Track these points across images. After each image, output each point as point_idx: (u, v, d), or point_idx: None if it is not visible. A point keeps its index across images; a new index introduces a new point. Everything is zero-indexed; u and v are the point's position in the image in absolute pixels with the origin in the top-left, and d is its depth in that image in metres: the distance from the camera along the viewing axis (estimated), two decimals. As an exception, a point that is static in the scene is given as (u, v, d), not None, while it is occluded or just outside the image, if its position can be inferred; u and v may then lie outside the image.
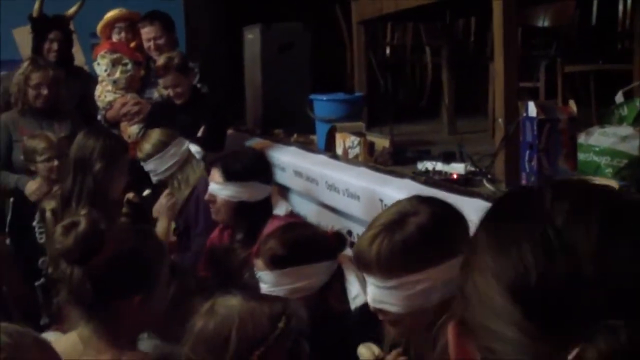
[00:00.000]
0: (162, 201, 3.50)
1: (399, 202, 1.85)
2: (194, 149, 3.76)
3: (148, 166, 3.71)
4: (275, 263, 2.34)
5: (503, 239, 0.68)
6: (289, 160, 4.36)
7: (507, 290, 0.66)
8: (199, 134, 4.07)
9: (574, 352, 0.61)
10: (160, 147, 3.69)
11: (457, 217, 1.78)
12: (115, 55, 4.89)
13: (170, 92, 4.33)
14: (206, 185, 3.29)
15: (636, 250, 0.64)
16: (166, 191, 3.53)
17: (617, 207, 0.69)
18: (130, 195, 3.46)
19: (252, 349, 1.60)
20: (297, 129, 4.93)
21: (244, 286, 2.28)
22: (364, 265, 1.75)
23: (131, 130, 4.78)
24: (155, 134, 3.76)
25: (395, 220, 1.72)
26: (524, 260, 0.65)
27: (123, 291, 1.75)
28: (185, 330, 1.67)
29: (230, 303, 1.64)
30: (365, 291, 2.29)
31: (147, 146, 3.72)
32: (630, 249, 0.64)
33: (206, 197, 3.20)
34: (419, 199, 1.83)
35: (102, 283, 1.73)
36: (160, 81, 4.40)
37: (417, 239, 1.69)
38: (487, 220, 0.74)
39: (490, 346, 0.67)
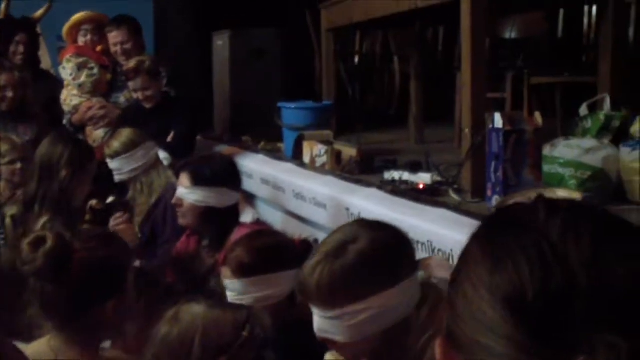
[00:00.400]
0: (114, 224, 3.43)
1: (341, 227, 1.79)
2: (163, 155, 3.74)
3: (113, 164, 3.67)
4: (242, 271, 2.33)
5: (498, 254, 0.69)
6: (256, 167, 4.35)
7: (501, 304, 0.66)
8: (169, 139, 4.05)
9: None
10: (129, 147, 3.65)
11: (400, 242, 1.74)
12: (81, 59, 4.85)
13: (140, 95, 4.31)
14: (174, 192, 3.27)
15: (628, 264, 0.66)
16: (115, 217, 3.45)
17: (607, 222, 0.71)
18: (93, 202, 3.42)
19: (215, 357, 1.59)
20: (266, 135, 4.92)
21: (210, 293, 2.26)
22: (305, 294, 1.69)
23: (96, 134, 4.75)
24: (126, 133, 3.73)
25: (336, 247, 1.66)
26: (520, 274, 0.66)
27: (98, 299, 1.75)
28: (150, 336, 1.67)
29: (195, 310, 1.63)
30: None
31: (115, 144, 3.68)
32: (622, 263, 0.66)
33: (173, 200, 3.18)
34: (361, 224, 1.79)
35: (76, 295, 1.72)
36: (130, 84, 4.37)
37: (357, 268, 1.63)
38: (480, 235, 0.74)
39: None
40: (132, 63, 4.32)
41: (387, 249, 1.69)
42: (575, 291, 0.64)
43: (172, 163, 3.76)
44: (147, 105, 4.31)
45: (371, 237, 1.68)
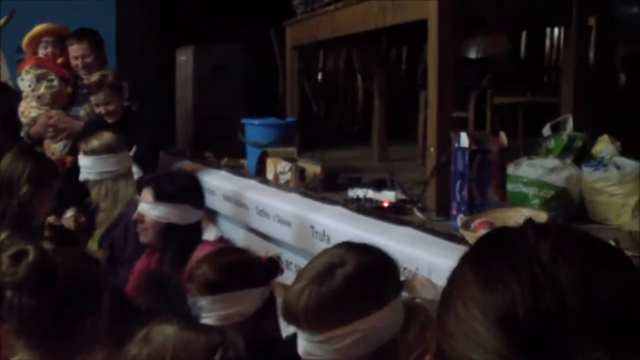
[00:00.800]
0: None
1: (327, 250, 1.80)
2: (135, 169, 3.70)
3: (85, 161, 3.62)
4: (208, 289, 2.29)
5: (490, 274, 0.71)
6: (218, 184, 4.32)
7: (493, 322, 0.68)
8: (131, 153, 3.99)
9: None
10: (107, 150, 3.61)
11: (386, 264, 1.75)
12: (40, 71, 4.78)
13: (102, 109, 4.26)
14: (136, 209, 3.22)
15: (614, 284, 0.69)
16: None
17: (593, 245, 0.75)
18: (50, 219, 3.36)
19: None
20: (229, 152, 4.89)
21: (185, 313, 2.22)
22: (292, 318, 1.69)
23: (54, 147, 4.67)
24: (109, 136, 3.68)
25: (323, 272, 1.67)
26: (512, 294, 0.68)
27: (78, 315, 1.71)
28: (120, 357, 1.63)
29: (166, 332, 1.59)
30: None
31: (95, 142, 3.63)
32: (609, 284, 0.69)
33: (134, 216, 3.13)
34: (347, 247, 1.79)
35: (58, 310, 1.68)
36: (92, 98, 4.32)
37: (344, 291, 1.64)
38: (470, 257, 0.77)
39: None
40: (94, 77, 4.27)
41: (374, 273, 1.70)
42: (565, 311, 0.66)
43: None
44: (109, 120, 4.27)
45: (358, 261, 1.69)
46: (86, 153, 3.65)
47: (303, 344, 1.68)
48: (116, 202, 3.63)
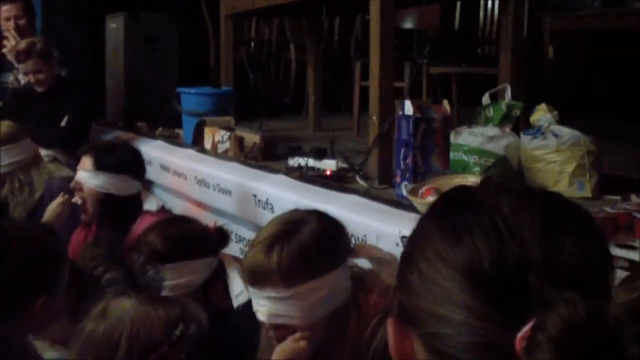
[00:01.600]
0: (54, 206, 3.26)
1: (280, 216, 1.84)
2: (44, 152, 3.58)
3: None
4: (156, 259, 2.27)
5: (454, 229, 0.72)
6: (154, 154, 4.25)
7: (459, 275, 0.69)
8: (62, 123, 3.89)
9: (527, 326, 0.64)
10: (9, 140, 3.45)
11: (340, 225, 1.82)
12: None
13: (31, 78, 4.14)
14: (58, 185, 3.15)
15: (576, 235, 0.70)
16: (60, 198, 3.29)
17: (554, 199, 0.76)
18: None
19: (142, 357, 1.52)
20: (161, 122, 4.82)
21: (147, 286, 2.19)
22: (259, 277, 1.70)
23: None
24: (6, 125, 3.52)
25: (288, 229, 1.72)
26: (476, 247, 0.69)
27: (29, 293, 1.65)
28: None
29: (123, 306, 1.55)
30: (248, 288, 2.27)
31: None
32: (570, 235, 0.70)
33: (72, 184, 3.06)
34: (302, 211, 1.84)
35: (7, 286, 1.62)
36: (21, 66, 4.18)
37: (312, 246, 1.70)
38: (432, 214, 0.77)
39: (437, 332, 0.70)
40: (22, 45, 4.14)
41: (333, 231, 1.77)
42: (530, 262, 0.67)
43: (56, 157, 3.60)
44: (39, 89, 4.14)
45: (318, 219, 1.76)
46: None
47: (269, 306, 1.70)
48: (33, 191, 3.49)
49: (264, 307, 1.71)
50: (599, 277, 0.69)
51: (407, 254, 0.77)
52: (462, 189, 0.80)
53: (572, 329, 0.63)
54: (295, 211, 1.85)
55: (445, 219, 0.75)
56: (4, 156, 3.45)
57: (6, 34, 4.54)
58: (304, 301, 1.68)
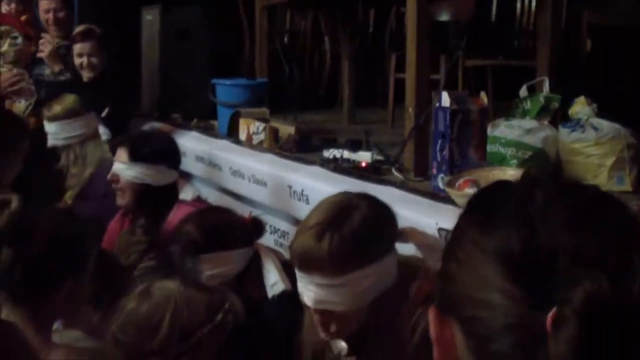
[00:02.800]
0: None
1: (330, 198, 1.79)
2: (102, 130, 3.65)
3: (50, 127, 3.58)
4: (192, 249, 2.28)
5: (489, 220, 0.76)
6: (190, 144, 4.27)
7: (494, 261, 0.73)
8: (103, 114, 3.93)
9: (555, 309, 0.68)
10: (70, 114, 3.58)
11: (389, 211, 1.79)
12: (3, 27, 4.65)
13: (84, 61, 4.17)
14: (109, 169, 3.18)
15: (606, 223, 0.73)
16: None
17: (587, 189, 0.79)
18: None
19: (184, 337, 1.53)
20: (196, 113, 4.84)
21: (184, 275, 2.20)
22: (310, 263, 1.66)
23: (18, 107, 4.55)
24: (71, 99, 3.65)
25: (339, 215, 1.67)
26: (509, 235, 0.73)
27: (57, 275, 1.66)
28: (112, 312, 1.60)
29: (168, 287, 1.56)
30: (283, 279, 2.27)
31: (58, 107, 3.60)
32: (600, 222, 0.73)
33: (109, 176, 3.09)
34: (352, 194, 1.80)
35: (36, 266, 1.63)
36: (76, 47, 4.21)
37: (364, 233, 1.66)
38: (468, 209, 0.82)
39: (474, 315, 0.74)
40: (80, 27, 4.20)
41: (384, 216, 1.74)
42: (559, 247, 0.71)
43: (110, 139, 3.66)
44: (87, 75, 4.19)
45: (369, 204, 1.72)
46: (50, 119, 3.60)
47: (316, 292, 1.67)
48: (86, 165, 3.59)
49: (310, 292, 1.68)
50: (628, 261, 0.71)
51: (447, 247, 0.81)
52: (498, 183, 0.84)
53: (596, 302, 0.67)
54: (346, 194, 1.80)
55: (481, 210, 0.79)
56: (64, 129, 3.55)
57: (43, 40, 4.56)
58: (352, 289, 1.65)
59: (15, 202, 1.64)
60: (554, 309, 0.67)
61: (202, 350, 1.55)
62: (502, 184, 0.82)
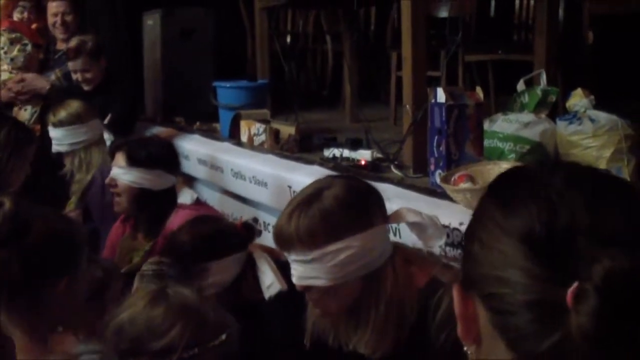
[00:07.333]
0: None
1: (312, 182, 1.88)
2: (107, 136, 3.66)
3: (55, 133, 3.61)
4: (188, 260, 2.28)
5: (511, 201, 0.80)
6: (192, 148, 4.29)
7: (516, 240, 0.77)
8: (106, 121, 3.95)
9: (577, 281, 0.72)
10: (75, 120, 3.61)
11: (370, 189, 1.85)
12: (14, 35, 4.70)
13: (79, 77, 4.20)
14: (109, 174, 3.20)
15: (622, 203, 0.78)
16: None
17: (602, 173, 0.85)
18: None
19: (188, 346, 1.54)
20: (199, 116, 4.85)
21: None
22: (284, 242, 1.77)
23: (23, 115, 4.59)
24: (76, 105, 3.67)
25: (311, 194, 1.77)
26: (530, 215, 0.77)
27: (52, 273, 1.67)
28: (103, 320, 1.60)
29: (185, 294, 1.57)
30: (279, 279, 2.28)
31: (62, 113, 3.62)
32: (616, 203, 0.78)
33: (107, 180, 3.11)
34: (332, 176, 1.91)
35: (31, 265, 1.64)
36: (70, 64, 4.24)
37: (334, 208, 1.73)
38: (490, 192, 0.86)
39: (496, 292, 0.78)
40: (73, 42, 4.20)
41: (360, 194, 1.80)
42: (578, 227, 0.75)
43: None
44: (86, 87, 4.21)
45: (345, 184, 1.80)
46: (55, 125, 3.62)
47: (297, 269, 1.77)
48: (89, 172, 3.60)
49: (294, 270, 1.78)
50: None
51: (469, 229, 0.85)
52: (518, 168, 0.88)
53: (616, 278, 0.71)
54: (326, 177, 1.90)
55: (503, 193, 0.83)
56: (69, 135, 3.58)
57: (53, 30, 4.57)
58: (329, 262, 1.72)
59: (7, 202, 1.65)
60: (575, 285, 0.71)
61: None
62: (520, 169, 0.87)
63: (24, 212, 1.67)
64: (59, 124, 3.60)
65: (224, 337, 1.55)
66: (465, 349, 0.85)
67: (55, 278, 1.67)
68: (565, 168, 0.84)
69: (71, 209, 3.56)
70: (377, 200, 1.83)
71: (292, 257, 1.77)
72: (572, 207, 0.76)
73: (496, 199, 0.83)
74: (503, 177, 0.87)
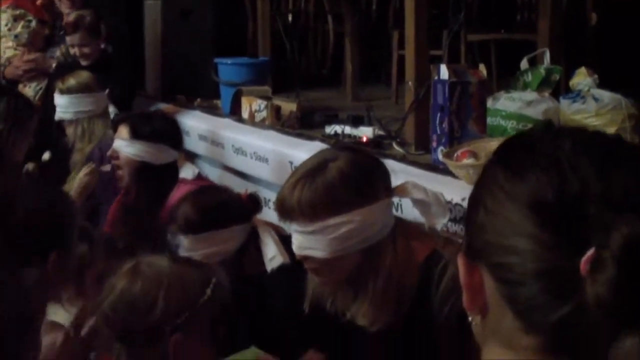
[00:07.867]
0: (80, 176, 3.35)
1: (318, 152, 1.88)
2: (112, 109, 3.67)
3: (61, 100, 3.63)
4: (190, 228, 2.28)
5: (518, 167, 0.78)
6: (193, 124, 4.27)
7: (524, 207, 0.74)
8: None
9: (591, 249, 0.69)
10: (83, 89, 3.63)
11: (376, 163, 1.84)
12: (18, 11, 4.67)
13: (77, 51, 4.18)
14: (109, 147, 3.20)
15: (633, 168, 0.76)
16: (86, 169, 3.36)
17: (612, 137, 0.82)
18: (30, 166, 3.33)
19: (178, 313, 1.54)
20: (200, 93, 4.84)
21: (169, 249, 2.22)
22: (286, 212, 1.77)
23: (27, 92, 4.57)
24: (86, 75, 3.71)
25: (316, 166, 1.76)
26: (540, 181, 0.75)
27: (41, 245, 1.65)
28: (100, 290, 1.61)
29: (157, 264, 1.57)
30: (281, 252, 2.28)
31: (72, 81, 3.65)
32: (627, 167, 0.76)
33: (109, 152, 3.11)
34: (338, 147, 1.91)
35: (18, 243, 1.63)
36: (68, 38, 4.23)
37: (337, 182, 1.72)
38: (496, 158, 0.83)
39: (504, 262, 0.75)
40: (71, 17, 4.19)
41: (365, 168, 1.78)
42: (590, 193, 0.72)
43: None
44: (83, 63, 4.19)
45: (350, 157, 1.78)
46: (62, 92, 3.64)
47: (297, 239, 1.77)
48: (92, 142, 3.61)
49: (294, 239, 1.78)
50: None
51: (473, 196, 0.82)
52: (523, 133, 0.85)
53: (634, 245, 0.69)
54: (331, 148, 1.91)
55: (509, 159, 0.80)
56: (75, 103, 3.60)
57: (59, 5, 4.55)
58: (329, 235, 1.72)
59: None
60: (590, 253, 0.69)
61: (196, 325, 1.56)
62: (526, 134, 0.84)
63: (9, 189, 1.65)
64: (66, 91, 3.63)
65: (209, 291, 1.55)
66: (470, 319, 0.83)
67: (42, 252, 1.64)
68: (572, 133, 0.81)
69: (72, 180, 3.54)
70: (382, 174, 1.82)
71: (293, 227, 1.78)
72: (583, 173, 0.74)
73: (502, 165, 0.80)
74: (509, 143, 0.85)
